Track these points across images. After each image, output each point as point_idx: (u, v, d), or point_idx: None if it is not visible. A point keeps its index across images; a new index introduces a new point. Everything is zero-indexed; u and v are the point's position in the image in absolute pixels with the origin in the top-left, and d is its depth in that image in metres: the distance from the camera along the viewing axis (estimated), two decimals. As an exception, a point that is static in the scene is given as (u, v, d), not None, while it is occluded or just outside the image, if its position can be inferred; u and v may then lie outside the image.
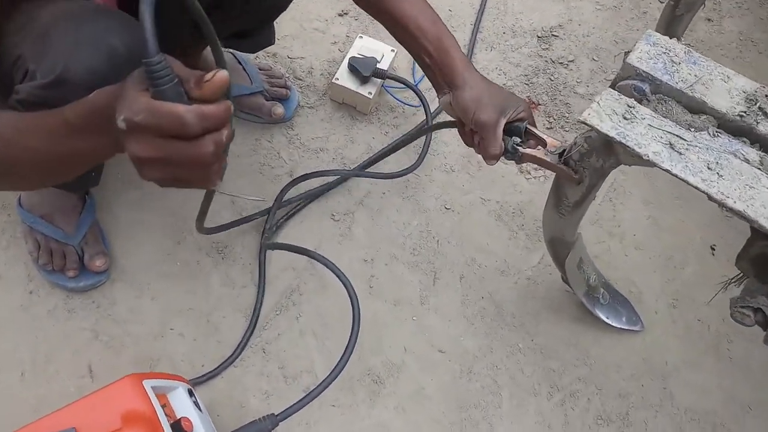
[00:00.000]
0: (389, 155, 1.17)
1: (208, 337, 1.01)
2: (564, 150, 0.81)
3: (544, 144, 0.82)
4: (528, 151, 0.82)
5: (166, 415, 0.77)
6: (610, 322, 1.10)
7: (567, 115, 1.33)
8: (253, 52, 1.25)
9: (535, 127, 0.84)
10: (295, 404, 0.86)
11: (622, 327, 1.11)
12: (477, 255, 1.15)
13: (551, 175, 1.25)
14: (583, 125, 0.73)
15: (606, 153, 0.78)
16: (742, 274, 0.80)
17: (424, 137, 1.24)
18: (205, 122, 0.50)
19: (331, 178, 1.17)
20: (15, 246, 1.05)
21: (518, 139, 0.83)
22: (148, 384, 0.77)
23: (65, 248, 1.02)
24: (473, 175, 1.23)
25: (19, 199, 1.03)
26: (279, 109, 1.21)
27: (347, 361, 0.91)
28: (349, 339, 0.90)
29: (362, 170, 1.19)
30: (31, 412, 0.91)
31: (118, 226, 1.09)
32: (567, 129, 1.31)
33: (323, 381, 0.86)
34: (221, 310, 1.04)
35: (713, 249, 1.22)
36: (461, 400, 1.02)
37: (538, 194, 1.23)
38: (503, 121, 0.81)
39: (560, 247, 0.99)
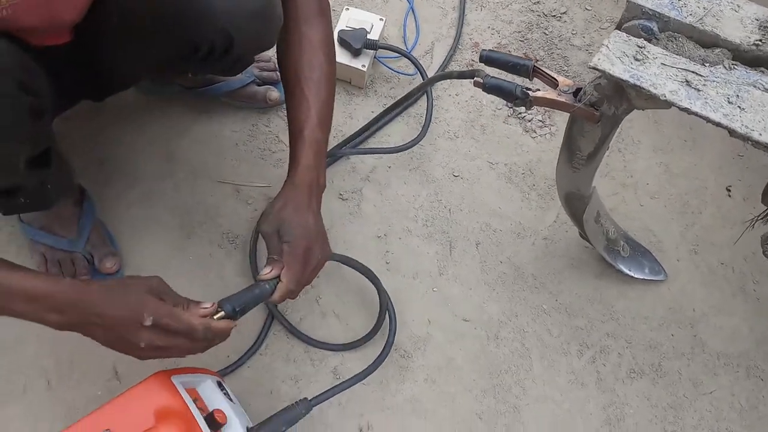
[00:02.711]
0: (388, 121, 1.16)
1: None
2: (578, 89, 0.78)
3: (555, 84, 0.79)
4: (539, 94, 0.78)
5: (198, 408, 0.76)
6: (632, 274, 1.09)
7: (566, 68, 1.30)
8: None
9: None
10: (328, 390, 0.86)
11: (646, 278, 1.09)
12: (491, 220, 1.14)
13: (558, 132, 1.24)
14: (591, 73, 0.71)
15: (618, 99, 0.76)
16: (769, 209, 0.78)
17: (425, 110, 1.22)
18: (209, 334, 0.73)
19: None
20: (24, 255, 1.03)
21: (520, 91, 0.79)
22: (177, 380, 0.75)
23: (72, 256, 1.00)
24: (478, 140, 1.21)
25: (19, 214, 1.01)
26: (274, 93, 1.18)
27: (387, 354, 0.94)
28: (386, 340, 0.93)
29: (363, 140, 1.17)
30: (63, 419, 0.90)
31: (125, 226, 1.07)
32: (569, 84, 1.29)
33: (363, 371, 0.90)
34: (239, 301, 1.03)
35: (729, 190, 1.20)
36: (491, 366, 1.01)
37: (546, 152, 1.21)
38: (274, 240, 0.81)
39: (576, 203, 0.97)
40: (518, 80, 0.83)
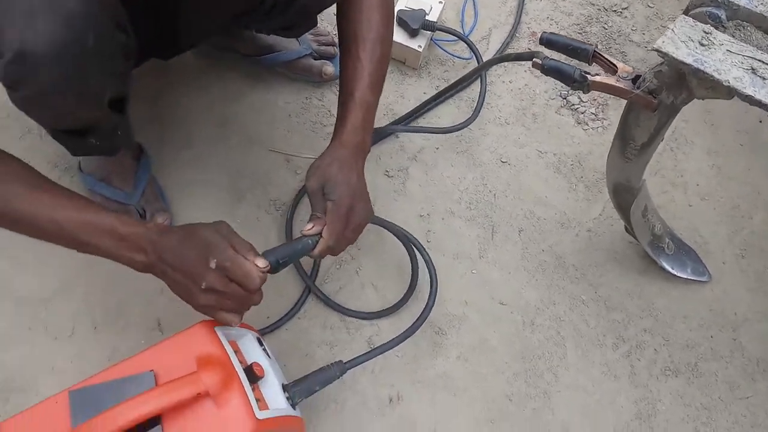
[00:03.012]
0: (439, 103, 1.16)
1: (272, 291, 1.02)
2: (638, 76, 0.77)
3: (614, 70, 0.79)
4: (598, 78, 0.78)
5: (238, 360, 0.78)
6: (675, 273, 1.07)
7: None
8: (297, 37, 1.24)
9: None
10: (363, 354, 0.87)
11: (688, 277, 1.08)
12: (535, 208, 1.13)
13: (610, 126, 1.23)
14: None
15: (678, 87, 0.75)
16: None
17: (477, 94, 1.22)
18: (261, 283, 0.74)
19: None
20: (80, 207, 1.07)
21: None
22: (219, 330, 0.78)
23: (126, 208, 1.03)
24: (529, 128, 1.21)
25: (79, 163, 1.05)
26: (329, 68, 1.20)
27: (427, 316, 0.93)
28: (426, 303, 0.93)
29: (413, 120, 1.18)
30: (107, 360, 0.94)
31: (177, 186, 1.10)
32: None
33: (399, 336, 0.89)
34: (282, 266, 1.05)
35: (783, 197, 1.17)
36: (525, 351, 1.01)
37: (597, 145, 1.20)
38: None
39: (625, 194, 0.96)
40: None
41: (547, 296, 1.05)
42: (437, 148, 1.17)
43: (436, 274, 0.94)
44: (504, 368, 0.99)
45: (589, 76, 0.79)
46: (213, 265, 0.70)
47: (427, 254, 0.96)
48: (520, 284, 1.06)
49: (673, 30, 0.70)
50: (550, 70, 0.82)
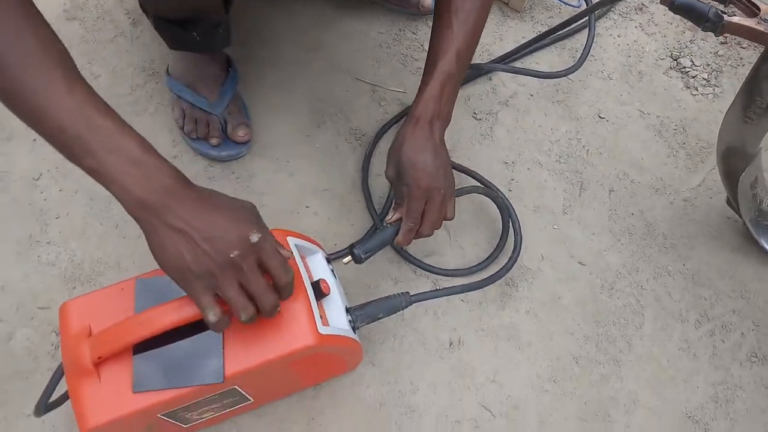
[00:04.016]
0: (539, 48, 1.10)
1: (342, 219, 1.00)
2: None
3: (755, 13, 0.71)
4: (735, 19, 0.70)
5: (306, 274, 0.76)
6: (777, 256, 0.99)
7: None
8: None
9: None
10: (431, 291, 0.83)
11: (790, 264, 0.99)
12: (630, 170, 1.06)
13: (723, 93, 1.13)
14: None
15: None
16: None
17: (582, 44, 1.14)
18: (289, 279, 0.63)
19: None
20: (162, 112, 1.07)
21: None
22: (292, 241, 0.76)
23: (209, 117, 1.03)
24: (633, 86, 1.13)
25: (167, 68, 1.05)
26: (427, 0, 1.15)
27: (508, 270, 0.90)
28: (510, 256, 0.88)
29: (511, 63, 1.12)
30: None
31: (261, 105, 1.09)
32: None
33: (473, 283, 0.85)
34: (356, 195, 1.02)
35: None
36: (599, 315, 0.95)
37: (705, 113, 1.11)
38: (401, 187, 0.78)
39: (736, 161, 0.88)
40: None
41: (630, 262, 0.99)
42: (531, 95, 1.11)
43: (520, 228, 0.90)
44: (574, 329, 0.94)
45: (725, 17, 0.71)
46: (255, 238, 0.58)
47: (515, 213, 0.92)
48: (603, 246, 1.00)
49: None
50: (681, 7, 0.74)
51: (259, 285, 0.60)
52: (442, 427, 0.86)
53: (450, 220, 0.82)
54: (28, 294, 0.92)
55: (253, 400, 0.81)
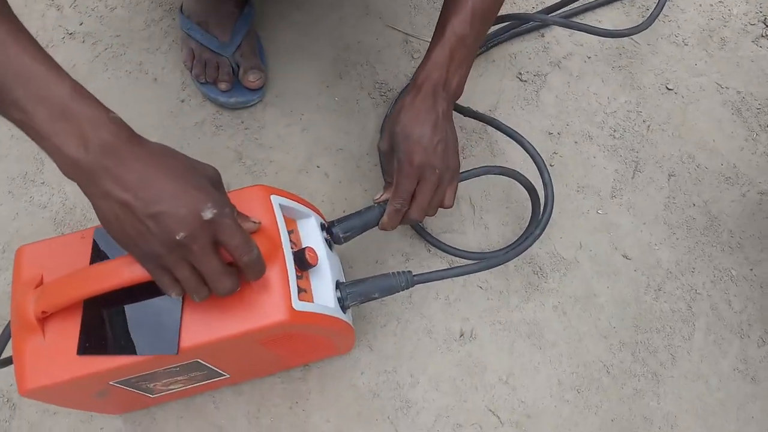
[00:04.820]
0: (604, 3, 0.93)
1: (354, 183, 0.89)
2: None
3: None
4: None
5: (291, 241, 0.65)
6: None
7: None
8: None
9: None
10: (437, 271, 0.70)
11: None
12: (697, 152, 0.90)
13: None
14: None
15: None
16: None
17: (654, 2, 0.97)
18: (252, 258, 0.53)
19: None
20: (174, 51, 0.98)
21: None
22: (276, 200, 0.65)
23: (219, 59, 0.93)
24: (712, 55, 0.96)
25: (181, 5, 0.95)
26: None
27: (526, 248, 0.74)
28: (538, 225, 0.73)
29: (569, 17, 0.96)
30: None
31: (279, 48, 0.98)
32: None
33: (486, 260, 0.70)
34: (374, 157, 0.91)
35: None
36: (641, 319, 0.81)
37: (799, 91, 0.93)
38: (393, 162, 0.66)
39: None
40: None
41: (686, 260, 0.84)
42: (589, 57, 0.96)
43: (553, 198, 0.75)
44: (609, 332, 0.80)
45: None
46: (209, 214, 0.48)
47: (549, 174, 0.77)
48: (654, 239, 0.85)
49: None
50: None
51: (211, 268, 0.51)
52: (441, 429, 0.75)
53: (447, 208, 0.70)
54: (16, 235, 0.86)
55: (229, 376, 0.73)
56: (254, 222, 0.58)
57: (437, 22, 0.68)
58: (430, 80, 0.66)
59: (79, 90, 0.48)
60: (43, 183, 0.89)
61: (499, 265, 0.72)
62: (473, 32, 0.66)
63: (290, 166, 0.90)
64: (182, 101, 0.95)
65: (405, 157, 0.65)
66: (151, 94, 0.94)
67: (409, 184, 0.66)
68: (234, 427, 0.76)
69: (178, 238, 0.48)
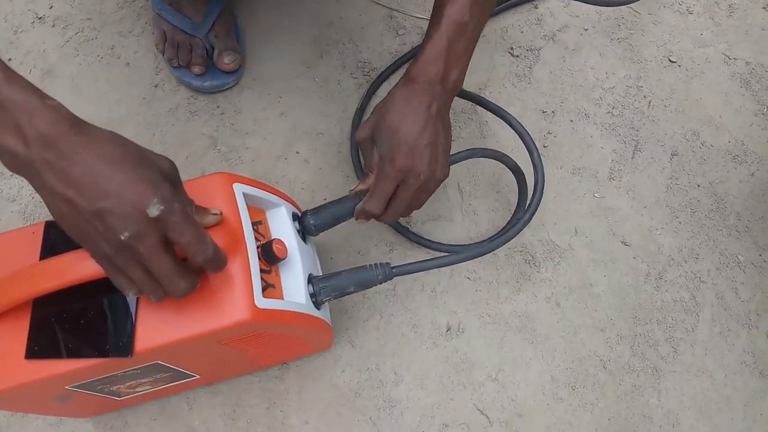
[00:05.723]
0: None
1: (336, 169, 0.84)
2: None
3: None
4: None
5: (258, 233, 0.61)
6: None
7: None
8: None
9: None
10: (418, 262, 0.65)
11: None
12: (702, 129, 0.84)
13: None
14: None
15: None
16: None
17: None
18: (217, 255, 0.49)
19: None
20: (147, 34, 0.93)
21: None
22: (239, 189, 0.60)
23: (192, 41, 0.88)
24: (719, 24, 0.89)
25: (154, -15, 0.91)
26: None
27: (514, 235, 0.67)
28: (527, 210, 0.67)
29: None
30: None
31: (257, 28, 0.93)
32: None
33: (471, 250, 0.65)
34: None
35: None
36: (640, 309, 0.76)
37: (813, 61, 0.86)
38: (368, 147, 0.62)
39: None
40: None
41: (689, 246, 0.78)
42: (585, 30, 0.89)
43: (543, 180, 0.69)
44: (606, 325, 0.75)
45: None
46: (155, 212, 0.44)
47: (542, 170, 0.70)
48: (655, 223, 0.80)
49: None
50: None
51: (163, 269, 0.47)
52: (426, 430, 0.70)
53: (417, 209, 0.65)
54: (-17, 230, 0.82)
55: (199, 377, 0.69)
56: (214, 214, 0.54)
57: (433, 6, 0.62)
58: (425, 75, 0.60)
59: (11, 76, 0.43)
60: (12, 175, 0.85)
61: (485, 254, 0.67)
62: (473, 18, 0.60)
63: (268, 152, 0.86)
64: (155, 86, 0.90)
65: (388, 155, 0.60)
66: (123, 80, 0.89)
67: (389, 186, 0.60)
68: (209, 430, 0.72)
69: (122, 238, 0.44)
